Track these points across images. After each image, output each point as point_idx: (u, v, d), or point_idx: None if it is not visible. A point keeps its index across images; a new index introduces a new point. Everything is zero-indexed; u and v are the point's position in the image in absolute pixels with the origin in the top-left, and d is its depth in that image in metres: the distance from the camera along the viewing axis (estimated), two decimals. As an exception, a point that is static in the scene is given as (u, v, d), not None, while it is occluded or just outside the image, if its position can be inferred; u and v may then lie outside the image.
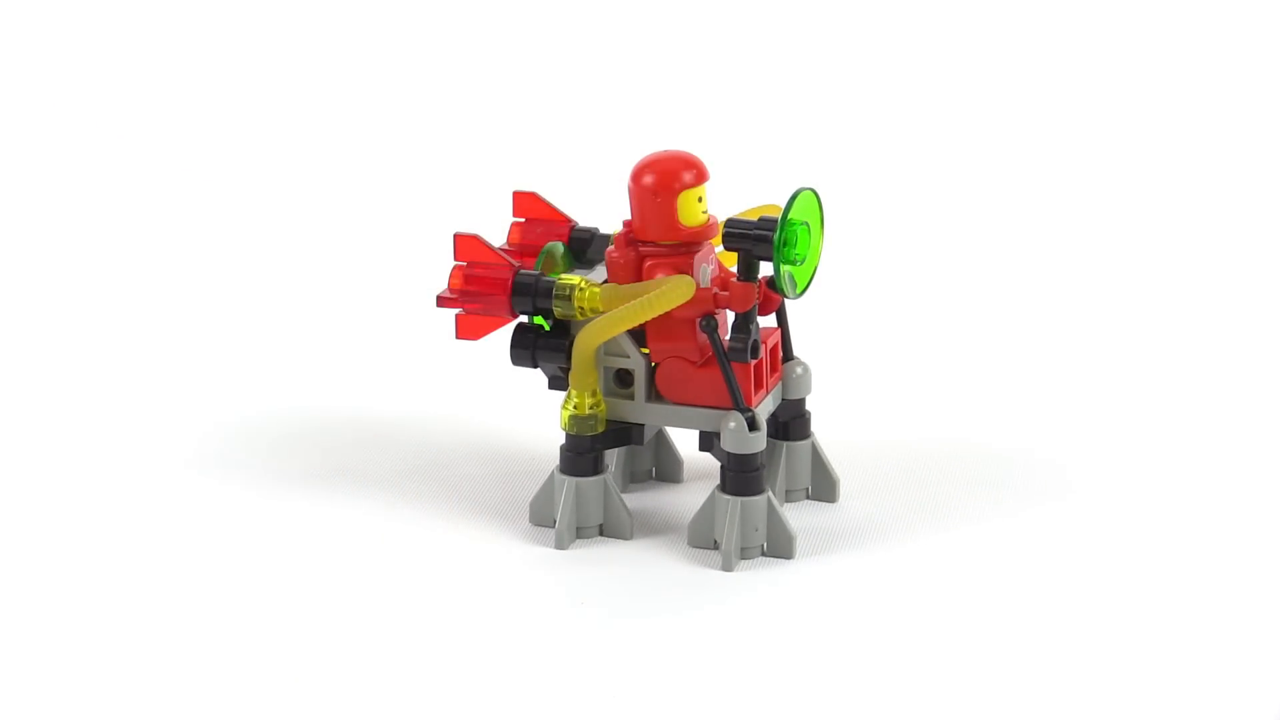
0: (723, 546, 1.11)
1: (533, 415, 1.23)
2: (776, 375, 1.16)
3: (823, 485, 1.18)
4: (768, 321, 1.16)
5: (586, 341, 1.10)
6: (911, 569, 1.12)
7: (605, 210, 1.19)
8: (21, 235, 1.55)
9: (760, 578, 1.11)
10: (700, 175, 1.12)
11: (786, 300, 1.15)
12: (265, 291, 1.48)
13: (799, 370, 1.17)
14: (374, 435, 1.25)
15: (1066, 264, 1.54)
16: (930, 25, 1.83)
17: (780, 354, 1.16)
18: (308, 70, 1.78)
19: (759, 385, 1.13)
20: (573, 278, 1.12)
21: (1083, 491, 1.20)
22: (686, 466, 1.21)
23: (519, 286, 1.12)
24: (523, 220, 1.19)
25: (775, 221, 1.09)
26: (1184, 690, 0.99)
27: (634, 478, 1.21)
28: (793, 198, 1.09)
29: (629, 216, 1.13)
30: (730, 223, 1.10)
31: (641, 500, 1.19)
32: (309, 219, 1.61)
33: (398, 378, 1.34)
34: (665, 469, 1.21)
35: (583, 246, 1.18)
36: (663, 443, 1.21)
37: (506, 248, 1.18)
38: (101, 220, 1.59)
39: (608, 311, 1.10)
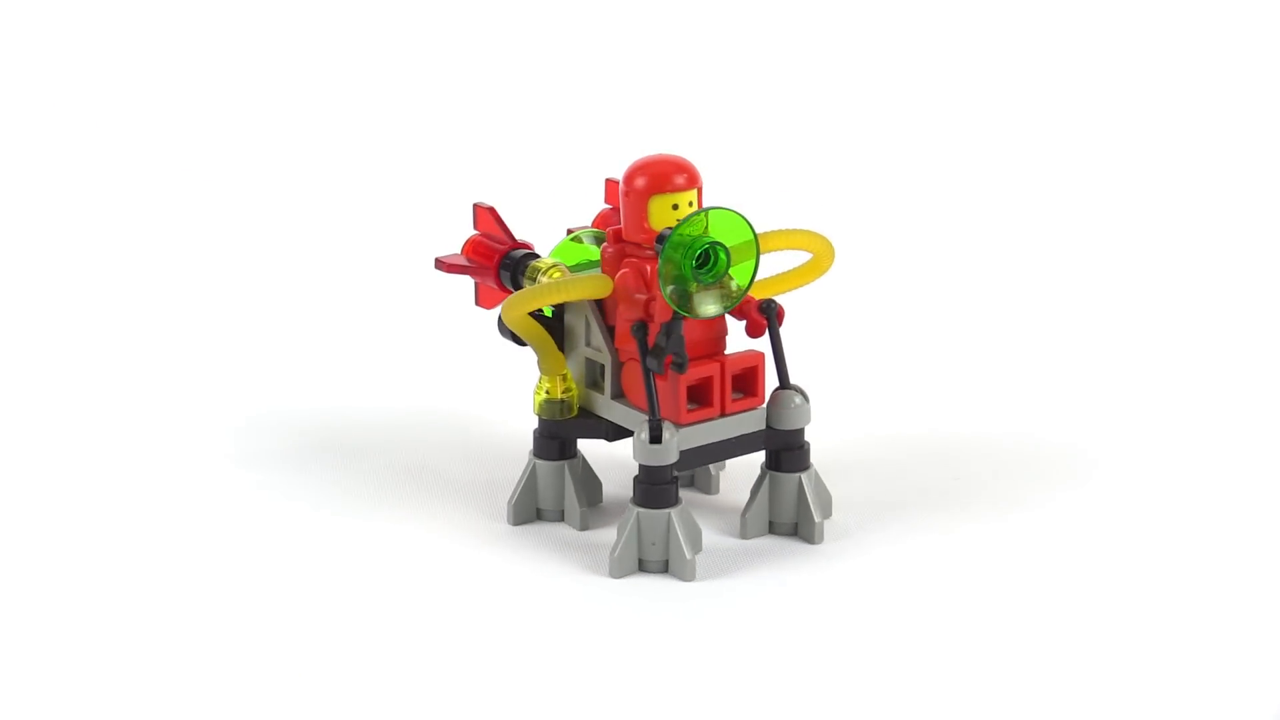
0: (614, 553, 1.10)
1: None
2: (753, 400, 1.12)
3: (805, 525, 1.13)
4: (763, 345, 1.13)
5: (506, 311, 1.12)
6: (792, 598, 1.08)
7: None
8: (39, 242, 1.65)
9: (643, 590, 1.09)
10: (690, 181, 1.10)
11: (780, 327, 1.12)
12: (266, 291, 1.54)
13: (796, 401, 1.12)
14: (372, 430, 1.30)
15: (1066, 268, 1.53)
16: (925, 33, 1.74)
17: (760, 379, 1.12)
18: (329, 74, 1.81)
19: (704, 404, 1.11)
20: (546, 261, 1.14)
21: (1080, 495, 1.17)
22: (723, 479, 1.20)
23: (504, 263, 1.16)
24: (609, 207, 1.21)
25: (665, 238, 1.06)
26: (1184, 690, 0.97)
27: (669, 481, 1.20)
28: (688, 218, 1.06)
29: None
30: (659, 234, 1.08)
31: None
32: (313, 217, 1.66)
33: (397, 374, 1.39)
34: (700, 478, 1.20)
35: None
36: (703, 453, 1.19)
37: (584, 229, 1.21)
38: (102, 222, 1.68)
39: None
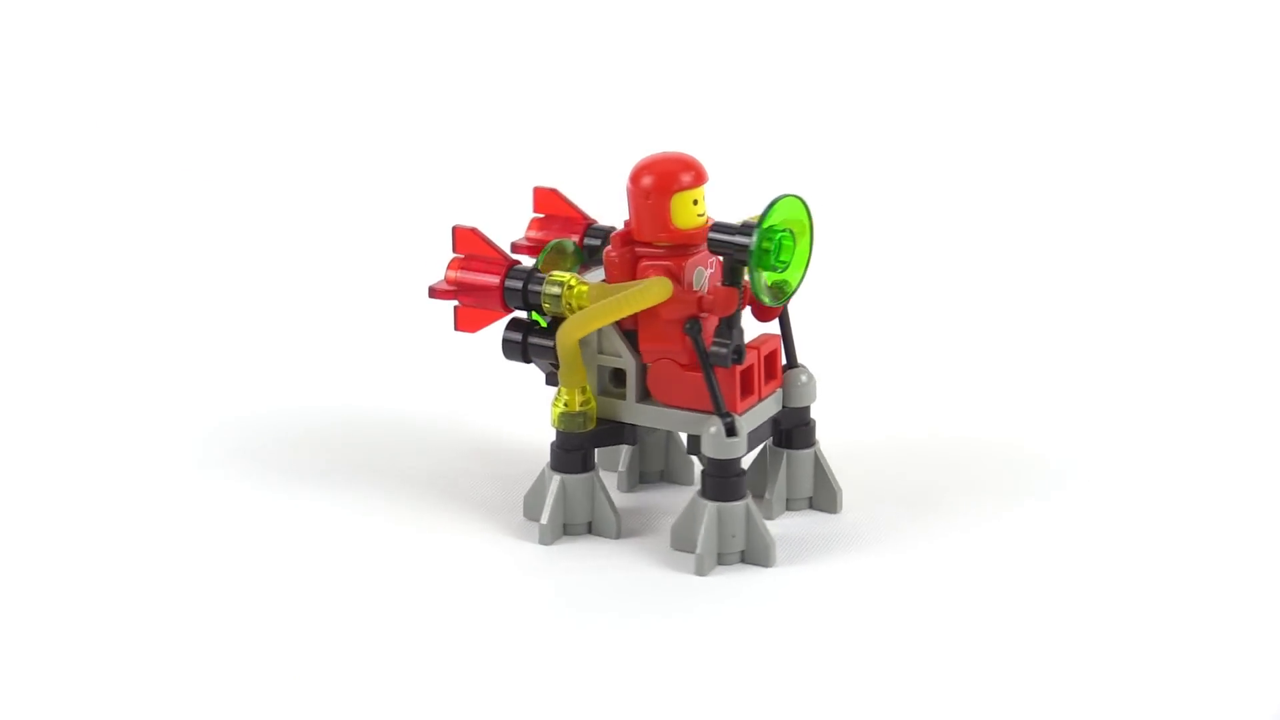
0: (697, 550, 1.10)
1: (532, 412, 1.24)
2: (775, 383, 1.15)
3: (824, 495, 1.17)
4: (771, 328, 1.15)
5: (566, 336, 1.10)
6: (896, 575, 1.11)
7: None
8: (34, 241, 1.59)
9: (734, 583, 1.10)
10: (698, 178, 1.11)
11: (787, 306, 1.15)
12: (264, 290, 1.51)
13: (804, 378, 1.16)
14: (373, 433, 1.27)
15: (1069, 271, 1.53)
16: (926, 30, 1.82)
17: (779, 361, 1.15)
18: (320, 72, 1.81)
19: (749, 391, 1.12)
20: (564, 275, 1.13)
21: (1081, 494, 1.19)
22: (697, 468, 1.21)
23: (511, 281, 1.13)
24: (542, 216, 1.20)
25: (754, 227, 1.08)
26: (1184, 690, 0.98)
27: (644, 478, 1.21)
28: (772, 204, 1.08)
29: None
30: (714, 226, 1.09)
31: (646, 500, 1.19)
32: (315, 218, 1.63)
33: (397, 376, 1.36)
34: (675, 471, 1.21)
35: (598, 246, 1.18)
36: (674, 444, 1.21)
37: (524, 242, 1.19)
38: (100, 222, 1.63)
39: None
